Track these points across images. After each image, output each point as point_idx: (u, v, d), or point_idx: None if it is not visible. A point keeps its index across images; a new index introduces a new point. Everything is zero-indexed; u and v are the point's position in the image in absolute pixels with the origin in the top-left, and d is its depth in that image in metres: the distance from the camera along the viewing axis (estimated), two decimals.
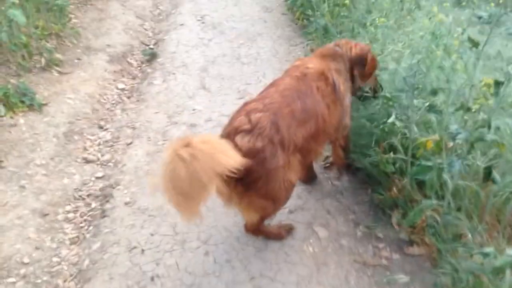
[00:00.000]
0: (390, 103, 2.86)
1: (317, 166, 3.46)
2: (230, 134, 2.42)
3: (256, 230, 2.81)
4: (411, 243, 2.76)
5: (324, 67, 2.83)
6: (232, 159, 2.11)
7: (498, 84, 2.20)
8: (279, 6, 6.90)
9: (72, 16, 6.25)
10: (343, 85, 2.89)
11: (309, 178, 3.33)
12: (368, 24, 4.35)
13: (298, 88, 2.64)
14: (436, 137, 2.60)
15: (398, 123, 2.58)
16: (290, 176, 2.55)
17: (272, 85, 2.75)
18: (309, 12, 5.29)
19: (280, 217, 3.04)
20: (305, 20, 5.76)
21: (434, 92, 2.58)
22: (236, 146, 2.29)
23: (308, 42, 5.29)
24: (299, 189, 3.28)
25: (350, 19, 4.63)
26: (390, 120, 2.59)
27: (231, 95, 4.60)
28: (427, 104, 2.53)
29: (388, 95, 2.86)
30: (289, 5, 6.41)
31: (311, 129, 2.61)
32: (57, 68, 5.17)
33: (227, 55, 5.50)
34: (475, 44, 2.33)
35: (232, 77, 5.01)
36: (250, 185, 2.39)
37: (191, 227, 3.03)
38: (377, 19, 4.25)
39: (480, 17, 2.35)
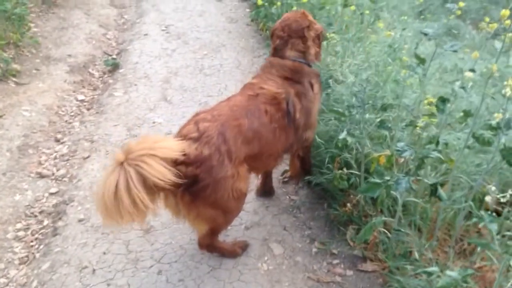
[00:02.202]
0: (343, 118, 2.86)
1: (275, 181, 3.44)
2: None
3: (210, 245, 2.76)
4: (364, 259, 2.77)
5: (279, 91, 2.75)
6: (172, 147, 2.23)
7: (444, 101, 2.22)
8: (244, 17, 6.92)
9: (33, 25, 6.12)
10: (310, 102, 2.87)
11: (266, 192, 3.32)
12: (328, 36, 4.38)
13: (247, 106, 2.62)
14: (387, 152, 2.62)
15: (349, 139, 2.58)
16: (240, 186, 2.52)
17: (225, 100, 2.75)
18: (271, 24, 5.29)
19: (236, 234, 3.01)
20: (268, 32, 5.76)
21: (385, 108, 2.59)
22: (184, 153, 2.30)
23: None
24: (256, 204, 3.26)
25: None
26: (342, 136, 2.60)
27: (192, 107, 4.55)
28: (378, 120, 2.54)
29: (340, 110, 2.86)
30: (253, 16, 6.42)
31: (254, 150, 2.60)
32: (14, 79, 5.05)
33: (190, 66, 5.46)
34: (421, 60, 2.36)
35: (194, 88, 4.97)
36: (197, 194, 2.37)
37: (144, 245, 2.97)
38: (336, 31, 4.28)
39: (426, 34, 2.37)
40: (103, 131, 4.30)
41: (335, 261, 2.81)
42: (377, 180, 2.19)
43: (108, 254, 2.94)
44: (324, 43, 4.25)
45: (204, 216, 2.50)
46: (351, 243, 2.86)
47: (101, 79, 5.54)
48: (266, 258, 2.85)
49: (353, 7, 4.34)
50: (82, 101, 4.99)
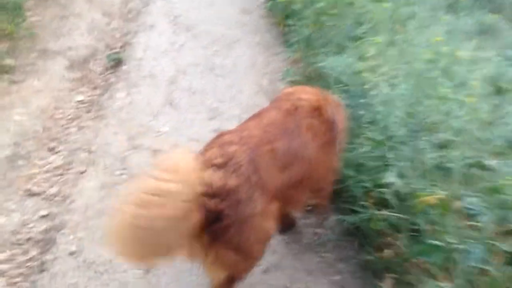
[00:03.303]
0: (384, 148, 2.38)
1: None
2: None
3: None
4: None
5: (321, 99, 2.41)
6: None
7: None
8: (259, 8, 6.36)
9: (30, 13, 5.61)
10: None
11: (287, 225, 2.85)
12: (357, 37, 3.88)
13: (284, 125, 2.22)
14: (441, 195, 2.14)
15: (398, 181, 2.10)
16: (268, 226, 2.09)
17: (254, 117, 2.34)
18: (290, 21, 4.78)
19: (252, 279, 2.55)
20: (286, 27, 5.25)
21: (444, 145, 2.10)
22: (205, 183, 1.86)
23: (290, 55, 4.77)
24: (274, 241, 2.80)
25: (337, 31, 4.14)
26: (389, 178, 2.11)
27: (201, 114, 4.08)
28: (434, 159, 2.05)
29: (380, 138, 2.37)
30: (270, 7, 5.89)
31: (294, 176, 2.16)
32: (7, 76, 4.58)
33: (199, 65, 4.96)
34: (500, 90, 1.87)
35: (203, 91, 4.48)
36: (219, 234, 1.92)
37: None
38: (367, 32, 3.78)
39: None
40: (102, 140, 3.85)
41: None
42: (437, 243, 1.71)
43: None
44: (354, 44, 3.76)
45: (224, 261, 2.03)
46: None
47: (102, 76, 5.05)
48: None
49: (386, 4, 3.83)
50: (80, 102, 4.51)
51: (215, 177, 1.90)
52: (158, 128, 3.95)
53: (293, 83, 4.29)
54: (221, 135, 2.17)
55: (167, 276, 2.60)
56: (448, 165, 2.02)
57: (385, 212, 2.29)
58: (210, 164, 1.95)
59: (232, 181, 1.89)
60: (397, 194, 2.39)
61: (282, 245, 2.78)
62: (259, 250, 2.17)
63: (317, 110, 2.35)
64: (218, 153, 1.99)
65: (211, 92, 4.46)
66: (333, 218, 2.89)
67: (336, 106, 2.52)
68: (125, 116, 4.15)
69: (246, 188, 1.92)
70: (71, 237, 2.94)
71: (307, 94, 2.42)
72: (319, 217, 2.93)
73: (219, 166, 1.94)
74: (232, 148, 2.00)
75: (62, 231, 2.99)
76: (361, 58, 3.64)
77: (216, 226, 1.88)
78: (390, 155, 2.26)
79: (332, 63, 3.66)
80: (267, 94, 4.36)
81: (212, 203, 1.86)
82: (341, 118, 2.50)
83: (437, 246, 1.75)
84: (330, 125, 2.40)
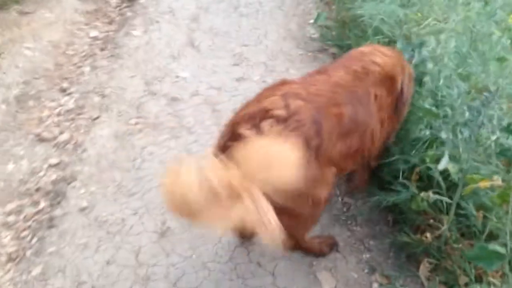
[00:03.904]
0: (434, 120, 2.09)
1: None
2: (255, 115, 1.74)
3: (293, 247, 2.23)
4: None
5: (396, 67, 2.14)
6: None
7: None
8: None
9: None
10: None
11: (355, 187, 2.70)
12: None
13: (353, 89, 1.96)
14: (498, 182, 1.87)
15: (453, 168, 1.82)
16: (320, 193, 1.88)
17: (320, 72, 2.07)
18: None
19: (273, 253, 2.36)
20: None
21: (509, 129, 1.79)
22: (259, 133, 1.67)
23: None
24: None
25: None
26: (443, 164, 1.83)
27: (224, 59, 3.76)
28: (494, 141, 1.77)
29: (430, 107, 2.07)
30: None
31: (353, 146, 1.96)
32: (16, 6, 4.27)
33: (223, 1, 4.57)
34: None
35: (227, 33, 4.13)
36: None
37: (158, 256, 2.36)
38: None
39: None
40: (117, 83, 3.58)
41: None
42: (498, 249, 1.47)
43: (112, 264, 2.34)
44: None
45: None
46: (426, 283, 2.19)
47: (118, 9, 4.70)
48: None
49: None
50: (95, 38, 4.21)
51: (273, 131, 1.67)
52: (177, 72, 3.66)
53: (325, 28, 3.91)
54: (285, 82, 1.94)
55: (182, 242, 2.42)
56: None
57: (433, 195, 2.02)
58: (268, 114, 1.71)
59: (291, 139, 1.62)
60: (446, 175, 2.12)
61: None
62: (312, 216, 2.02)
63: (389, 80, 2.09)
64: (280, 103, 1.75)
65: (235, 34, 4.10)
66: (364, 188, 2.65)
67: (409, 76, 2.26)
68: (142, 57, 3.85)
69: (303, 150, 1.65)
70: (83, 190, 2.75)
71: (383, 58, 2.12)
72: (351, 186, 2.69)
73: (279, 120, 1.70)
74: (298, 103, 1.76)
75: (73, 183, 2.80)
76: (405, 5, 3.23)
77: None
78: (441, 128, 1.97)
79: (371, 10, 3.27)
80: (296, 40, 4.00)
81: None
82: (409, 91, 2.24)
83: (497, 254, 1.50)
84: (397, 98, 2.16)
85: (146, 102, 3.38)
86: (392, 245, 2.37)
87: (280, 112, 1.72)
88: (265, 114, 1.72)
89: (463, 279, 2.03)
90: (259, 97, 1.87)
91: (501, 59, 2.41)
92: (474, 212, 1.99)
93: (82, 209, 2.64)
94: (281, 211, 1.68)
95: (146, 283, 2.25)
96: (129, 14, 4.51)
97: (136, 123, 3.20)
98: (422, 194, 2.05)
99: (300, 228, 2.08)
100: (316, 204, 1.92)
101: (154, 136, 3.10)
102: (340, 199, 2.66)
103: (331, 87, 1.92)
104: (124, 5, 4.73)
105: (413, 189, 2.12)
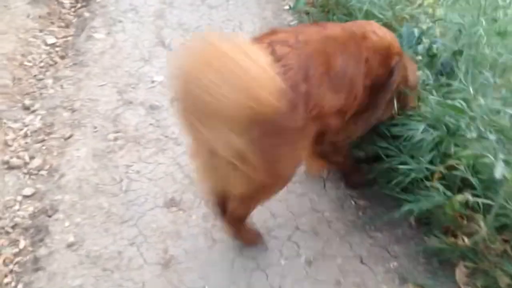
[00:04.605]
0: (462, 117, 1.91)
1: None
2: None
3: (238, 220, 2.09)
4: None
5: (396, 47, 2.07)
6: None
7: None
8: None
9: None
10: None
11: (354, 182, 2.55)
12: None
13: (346, 44, 1.89)
14: None
15: (509, 174, 1.65)
16: (302, 146, 1.85)
17: (315, 25, 2.10)
18: None
19: (295, 274, 2.16)
20: None
21: None
22: None
23: None
24: (314, 217, 2.39)
25: None
26: (498, 172, 1.63)
27: None
28: None
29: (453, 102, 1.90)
30: None
31: (337, 103, 1.88)
32: None
33: None
34: None
35: (198, 27, 3.83)
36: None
37: None
38: None
39: None
40: (86, 94, 3.25)
41: None
42: None
43: None
44: None
45: (250, 170, 1.68)
46: None
47: (73, 10, 4.30)
48: None
49: None
50: (53, 45, 3.82)
51: None
52: (152, 76, 3.35)
53: (305, 15, 3.68)
54: (274, 31, 1.85)
55: (190, 272, 2.19)
56: None
57: (472, 197, 1.85)
58: None
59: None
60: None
61: (323, 223, 2.37)
62: (287, 173, 1.91)
63: (384, 53, 2.00)
64: (265, 49, 1.64)
65: (207, 28, 3.82)
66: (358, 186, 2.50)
67: (410, 66, 2.17)
68: (110, 62, 3.51)
69: (291, 96, 1.59)
70: (67, 223, 2.46)
71: (384, 32, 2.06)
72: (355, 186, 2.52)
73: None
74: (284, 49, 1.69)
75: (55, 215, 2.50)
76: None
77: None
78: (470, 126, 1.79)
79: None
80: None
81: None
82: (400, 79, 2.09)
83: None
84: (387, 75, 2.03)
85: (123, 113, 3.08)
86: (421, 250, 2.20)
87: None
88: None
89: (504, 280, 1.90)
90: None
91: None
92: None
93: (70, 245, 2.35)
94: (258, 156, 1.62)
95: None
96: (86, 14, 4.13)
97: (115, 139, 2.91)
98: (458, 197, 1.88)
99: (267, 186, 1.90)
100: (295, 165, 1.89)
101: (138, 152, 2.82)
102: (353, 202, 2.47)
103: (322, 38, 1.84)
104: (79, 5, 4.33)
105: (444, 191, 1.95)
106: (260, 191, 1.91)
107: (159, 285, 2.15)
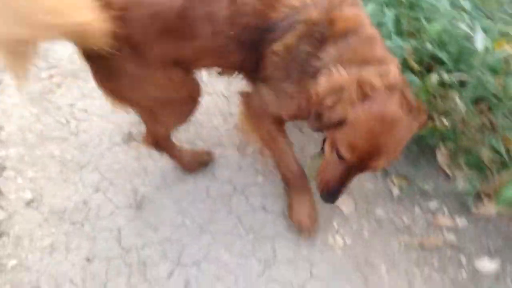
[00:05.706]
0: None
1: None
2: None
3: (155, 144, 1.97)
4: (478, 197, 1.90)
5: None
6: None
7: None
8: None
9: None
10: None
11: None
12: None
13: None
14: None
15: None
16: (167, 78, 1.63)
17: None
18: None
19: None
20: None
21: None
22: None
23: None
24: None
25: None
26: (479, 44, 1.45)
27: None
28: None
29: None
30: None
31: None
32: None
33: None
34: None
35: None
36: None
37: (146, 234, 1.96)
38: None
39: None
40: None
41: (432, 205, 1.95)
42: None
43: (94, 261, 1.92)
44: None
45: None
46: (448, 171, 1.97)
47: None
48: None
49: None
50: None
51: None
52: None
53: None
54: None
55: (166, 209, 2.02)
56: None
57: (443, 74, 1.70)
58: None
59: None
60: None
61: (294, 130, 2.20)
62: (151, 109, 1.75)
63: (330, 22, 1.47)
64: None
65: None
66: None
67: None
68: None
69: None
70: (20, 180, 2.20)
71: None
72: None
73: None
74: None
75: (4, 173, 2.24)
76: None
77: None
78: None
79: None
80: None
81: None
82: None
83: None
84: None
85: (52, 47, 2.71)
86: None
87: None
88: None
89: (486, 154, 1.81)
90: None
91: None
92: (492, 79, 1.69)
93: (29, 203, 2.13)
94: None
95: (144, 270, 1.88)
96: None
97: (51, 76, 2.58)
98: (432, 76, 1.72)
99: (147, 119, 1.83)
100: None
101: (80, 87, 2.53)
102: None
103: None
104: None
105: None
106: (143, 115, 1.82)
107: (136, 228, 1.99)
